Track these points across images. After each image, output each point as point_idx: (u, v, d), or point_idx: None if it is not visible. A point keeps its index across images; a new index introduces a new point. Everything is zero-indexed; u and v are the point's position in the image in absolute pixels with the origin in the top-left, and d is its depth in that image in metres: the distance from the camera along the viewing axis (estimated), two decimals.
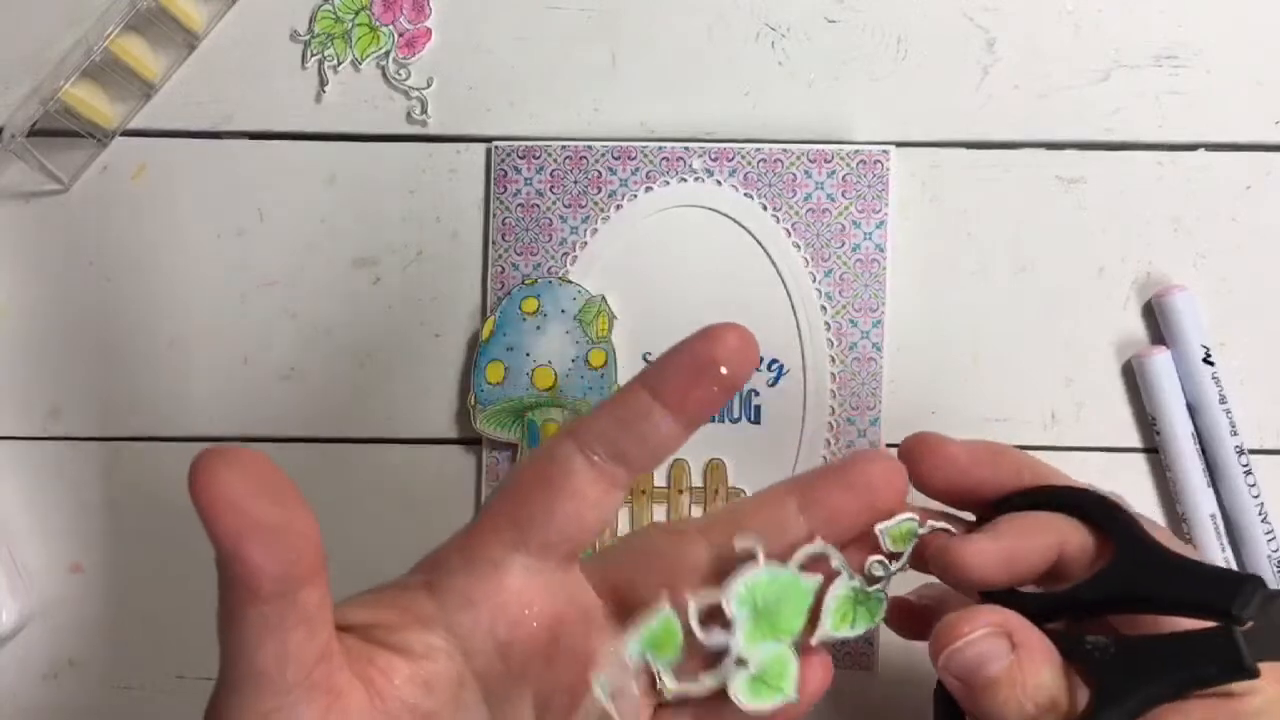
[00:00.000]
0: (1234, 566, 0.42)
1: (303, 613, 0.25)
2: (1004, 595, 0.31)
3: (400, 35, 0.45)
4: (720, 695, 0.29)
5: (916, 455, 0.33)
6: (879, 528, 0.31)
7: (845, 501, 0.30)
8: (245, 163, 0.45)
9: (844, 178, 0.43)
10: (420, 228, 0.45)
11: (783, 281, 0.43)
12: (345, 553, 0.44)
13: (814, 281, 0.43)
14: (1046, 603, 0.31)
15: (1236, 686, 0.29)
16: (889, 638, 0.42)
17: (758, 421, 0.43)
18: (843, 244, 0.43)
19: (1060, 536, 0.31)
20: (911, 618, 0.35)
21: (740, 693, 0.29)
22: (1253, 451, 0.42)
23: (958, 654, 0.30)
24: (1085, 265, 0.44)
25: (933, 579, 0.32)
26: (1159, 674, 0.28)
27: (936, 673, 0.31)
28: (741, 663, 0.29)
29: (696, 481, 0.43)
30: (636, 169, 0.44)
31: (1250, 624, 0.28)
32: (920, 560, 0.32)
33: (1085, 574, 0.31)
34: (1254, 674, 0.28)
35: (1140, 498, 0.43)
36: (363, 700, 0.27)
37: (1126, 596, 0.30)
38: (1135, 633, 0.31)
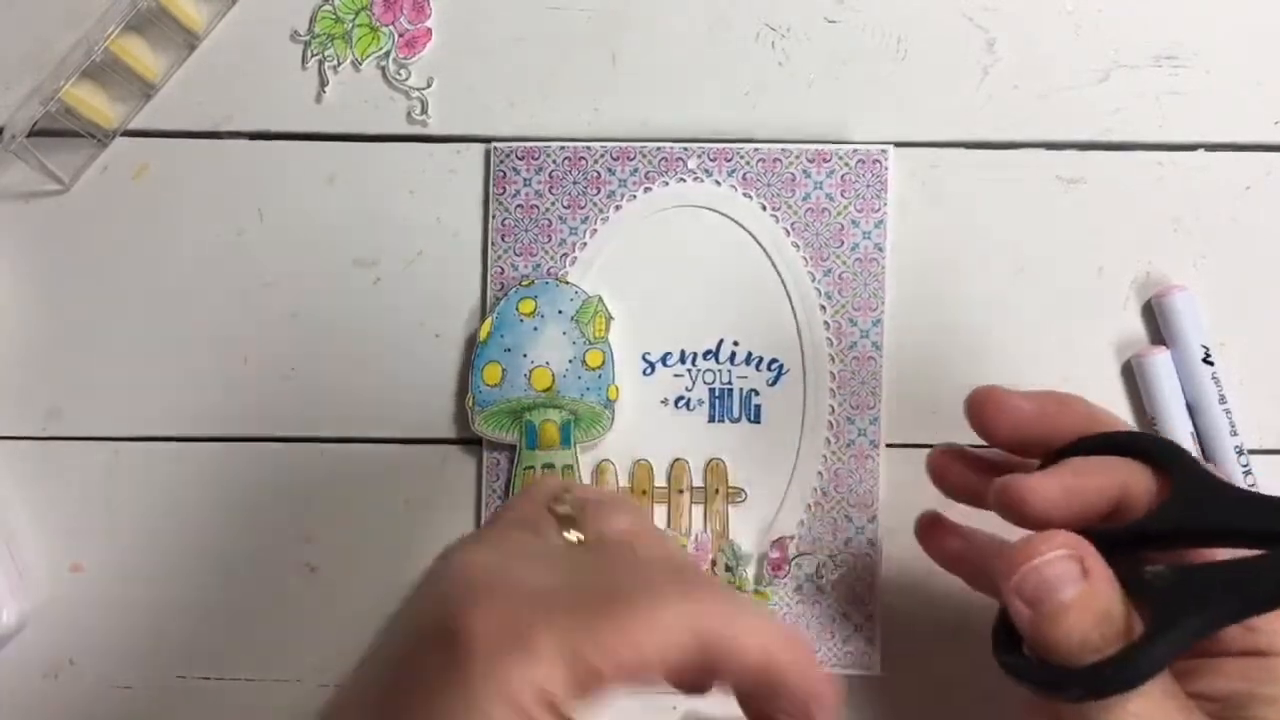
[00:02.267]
0: None
1: None
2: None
3: (400, 35, 0.45)
4: None
5: (982, 410, 0.34)
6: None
7: None
8: (245, 163, 0.45)
9: (843, 177, 0.43)
10: (420, 228, 0.45)
11: (782, 281, 0.43)
12: (346, 553, 0.44)
13: (813, 281, 0.43)
14: (1109, 537, 0.31)
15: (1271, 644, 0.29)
16: (888, 638, 0.42)
17: (758, 421, 0.43)
18: (842, 243, 0.43)
19: (1121, 477, 0.31)
20: (941, 532, 0.36)
21: None
22: (1253, 451, 0.42)
23: (1033, 574, 0.30)
24: (1085, 265, 0.44)
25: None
26: (1213, 600, 0.28)
27: (1002, 597, 0.31)
28: None
29: (697, 481, 0.43)
30: (636, 169, 0.44)
31: None
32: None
33: (1149, 511, 0.31)
34: None
35: None
36: None
37: (1187, 528, 0.30)
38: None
